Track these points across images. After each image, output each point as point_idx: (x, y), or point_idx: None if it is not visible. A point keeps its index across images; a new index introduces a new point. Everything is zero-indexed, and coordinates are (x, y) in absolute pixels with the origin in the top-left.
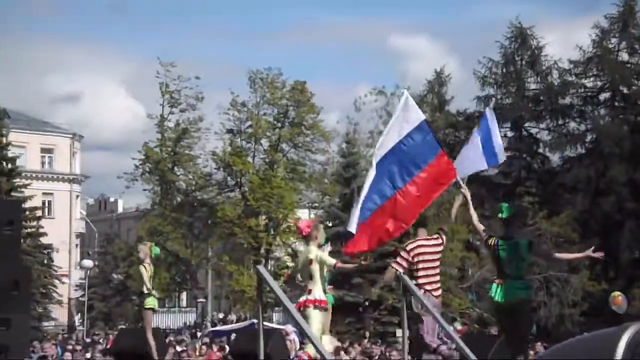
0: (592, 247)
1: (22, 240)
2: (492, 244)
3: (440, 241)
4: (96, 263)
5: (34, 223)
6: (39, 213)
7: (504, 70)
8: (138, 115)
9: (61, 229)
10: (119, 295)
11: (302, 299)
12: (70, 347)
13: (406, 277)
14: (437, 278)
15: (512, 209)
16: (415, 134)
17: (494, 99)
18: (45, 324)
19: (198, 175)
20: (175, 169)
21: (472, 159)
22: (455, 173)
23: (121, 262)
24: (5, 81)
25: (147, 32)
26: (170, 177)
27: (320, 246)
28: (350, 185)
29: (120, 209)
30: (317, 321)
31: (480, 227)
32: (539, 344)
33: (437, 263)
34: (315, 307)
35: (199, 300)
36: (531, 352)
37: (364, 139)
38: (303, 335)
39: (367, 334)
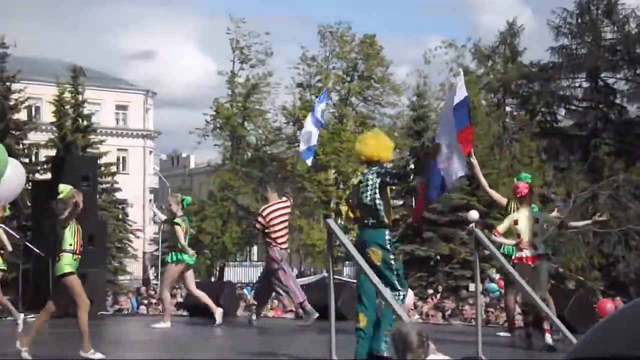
0: (598, 213)
1: (97, 196)
2: (515, 207)
3: (288, 203)
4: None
5: (109, 179)
6: (113, 169)
7: (579, 20)
8: (209, 71)
9: (135, 184)
10: (192, 250)
11: (532, 253)
12: (145, 300)
13: (479, 231)
14: (287, 237)
15: (532, 179)
16: (459, 108)
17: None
18: (121, 277)
19: (268, 130)
20: (246, 124)
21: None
22: (470, 147)
23: (193, 217)
24: (81, 39)
25: None
26: (241, 132)
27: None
28: (421, 138)
29: (192, 164)
30: (544, 274)
31: (493, 192)
32: (618, 298)
33: (287, 223)
34: (547, 261)
35: None
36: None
37: (435, 91)
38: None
39: (439, 289)
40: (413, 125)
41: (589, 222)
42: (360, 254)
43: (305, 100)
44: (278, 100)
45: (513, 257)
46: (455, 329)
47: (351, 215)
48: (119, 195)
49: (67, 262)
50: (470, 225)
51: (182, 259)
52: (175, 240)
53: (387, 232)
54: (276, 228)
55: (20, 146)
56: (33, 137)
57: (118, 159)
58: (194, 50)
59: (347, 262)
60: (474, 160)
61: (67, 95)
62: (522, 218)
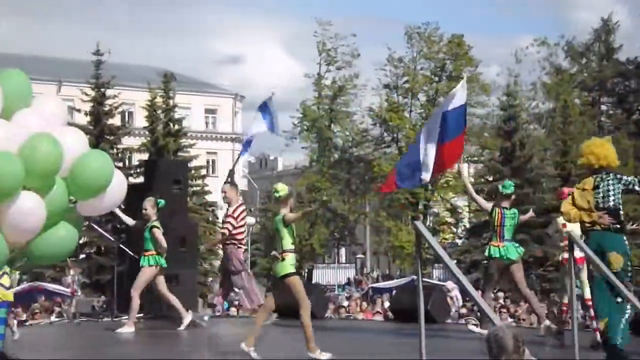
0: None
1: (188, 199)
2: (499, 213)
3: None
4: (258, 220)
5: (199, 181)
6: (203, 172)
7: None
8: (296, 74)
9: None
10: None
11: (579, 255)
12: (235, 302)
13: (574, 234)
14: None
15: (514, 187)
16: (457, 109)
17: None
18: (211, 279)
19: (355, 132)
20: (332, 126)
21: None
22: (460, 154)
23: None
24: (172, 45)
25: None
26: (328, 135)
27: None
28: (511, 138)
29: (280, 167)
30: (585, 276)
31: (478, 198)
32: None
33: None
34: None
35: (357, 256)
36: None
37: (526, 91)
38: (465, 293)
39: (533, 292)
40: (503, 126)
41: None
42: (600, 258)
43: (392, 101)
44: (365, 102)
45: (561, 259)
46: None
47: (586, 219)
48: (209, 197)
49: (291, 262)
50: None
51: (160, 263)
52: (151, 244)
53: (624, 237)
54: (241, 230)
55: (115, 150)
56: (126, 141)
57: (208, 162)
58: (281, 54)
59: (436, 265)
60: (462, 167)
61: (158, 100)
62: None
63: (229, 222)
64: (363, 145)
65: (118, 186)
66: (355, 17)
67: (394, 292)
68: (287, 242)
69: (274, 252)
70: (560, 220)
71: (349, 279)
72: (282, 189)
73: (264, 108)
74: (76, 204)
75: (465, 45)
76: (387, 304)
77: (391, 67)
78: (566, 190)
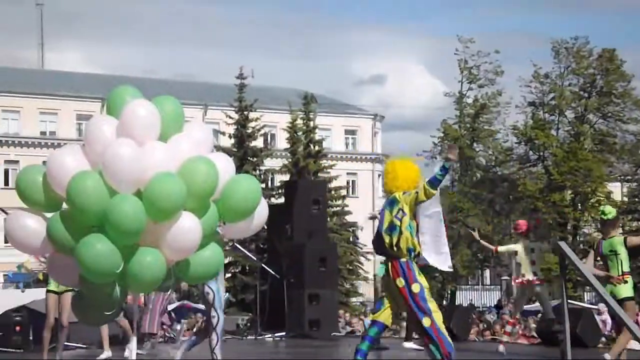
0: None
1: (328, 219)
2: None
3: None
4: None
5: (339, 202)
6: (343, 192)
7: None
8: (438, 93)
9: (364, 207)
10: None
11: (532, 278)
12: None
13: None
14: None
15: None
16: None
17: None
18: (353, 299)
19: (498, 151)
20: (474, 145)
21: None
22: None
23: None
24: (314, 67)
25: (445, 10)
26: (470, 154)
27: None
28: None
29: None
30: (546, 295)
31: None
32: None
33: None
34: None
35: (502, 277)
36: None
37: None
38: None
39: None
40: None
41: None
42: None
43: (538, 118)
44: (509, 120)
45: (517, 280)
46: None
47: None
48: (349, 218)
49: (632, 285)
50: None
51: None
52: None
53: None
54: None
55: (257, 172)
56: (268, 162)
57: (348, 182)
58: (422, 72)
59: (587, 287)
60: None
61: (299, 121)
62: (520, 250)
63: None
64: (507, 164)
65: (260, 208)
66: (498, 33)
67: (539, 315)
68: (627, 264)
69: (606, 274)
70: (515, 246)
71: (499, 300)
72: (610, 211)
73: None
74: (221, 226)
75: (617, 60)
76: (533, 326)
77: (537, 83)
78: (521, 222)
